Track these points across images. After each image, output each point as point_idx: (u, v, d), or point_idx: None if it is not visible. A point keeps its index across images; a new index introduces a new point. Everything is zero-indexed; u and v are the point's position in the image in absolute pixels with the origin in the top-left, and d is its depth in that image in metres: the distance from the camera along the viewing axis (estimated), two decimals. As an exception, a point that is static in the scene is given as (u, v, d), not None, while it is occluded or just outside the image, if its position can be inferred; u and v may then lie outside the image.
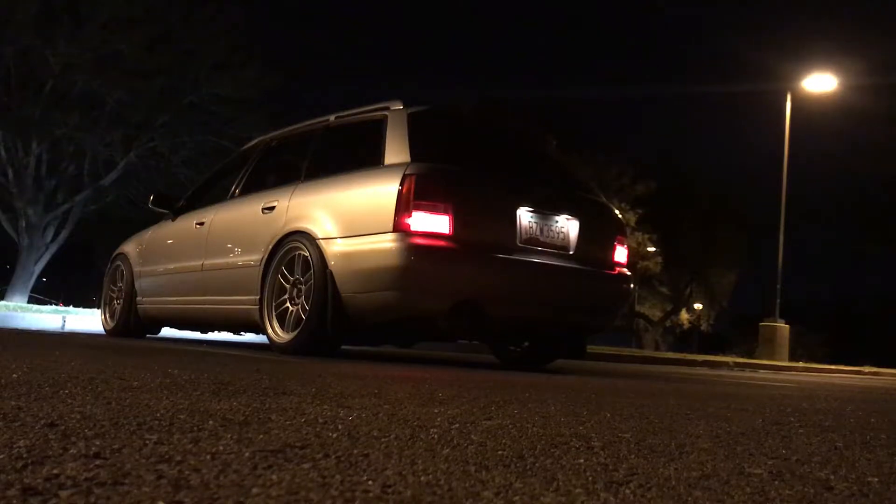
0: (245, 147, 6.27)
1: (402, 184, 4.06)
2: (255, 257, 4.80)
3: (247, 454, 1.17)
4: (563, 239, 4.61)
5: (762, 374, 9.67)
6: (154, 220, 6.58)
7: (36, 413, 1.42)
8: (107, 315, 6.61)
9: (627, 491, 1.12)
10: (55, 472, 0.97)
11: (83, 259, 39.45)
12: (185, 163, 23.44)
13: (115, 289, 6.55)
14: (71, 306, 21.81)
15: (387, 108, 4.70)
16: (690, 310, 40.52)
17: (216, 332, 6.24)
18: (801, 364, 14.56)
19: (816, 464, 1.50)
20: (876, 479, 1.37)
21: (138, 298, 6.18)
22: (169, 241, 6.07)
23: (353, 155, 4.94)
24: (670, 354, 16.05)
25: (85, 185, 23.51)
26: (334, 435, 1.41)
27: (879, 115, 25.79)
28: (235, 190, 5.62)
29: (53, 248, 24.17)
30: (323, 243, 4.33)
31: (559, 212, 4.62)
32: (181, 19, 22.07)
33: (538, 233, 4.49)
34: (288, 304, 4.54)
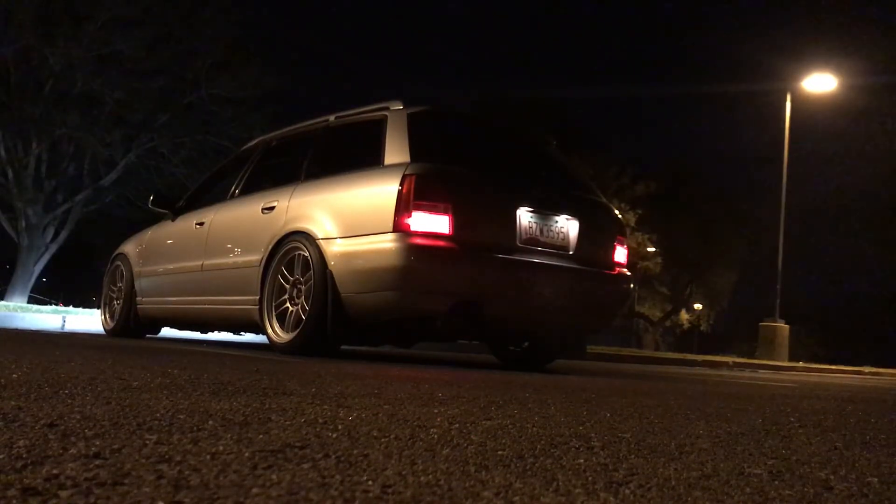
0: (245, 147, 6.27)
1: (401, 184, 4.06)
2: (255, 257, 4.80)
3: (247, 454, 1.17)
4: (563, 239, 4.61)
5: (762, 374, 9.66)
6: (154, 220, 6.58)
7: (36, 413, 1.42)
8: (107, 315, 6.62)
9: (627, 491, 1.12)
10: (55, 472, 0.97)
11: (83, 259, 39.40)
12: (185, 163, 23.45)
13: (115, 289, 6.55)
14: (71, 306, 21.80)
15: (387, 108, 4.70)
16: (690, 310, 40.54)
17: (216, 332, 6.25)
18: (801, 364, 14.56)
19: (816, 464, 1.50)
20: (876, 479, 1.37)
21: (138, 298, 6.18)
22: (169, 242, 6.07)
23: (352, 155, 4.94)
24: (670, 354, 16.05)
25: (85, 185, 23.52)
26: (334, 435, 1.41)
27: (880, 115, 25.78)
28: (235, 190, 5.62)
29: (53, 248, 24.18)
30: (323, 243, 4.33)
31: (559, 212, 4.62)
32: (181, 19, 22.08)
33: (538, 233, 4.49)
34: (288, 304, 4.54)
